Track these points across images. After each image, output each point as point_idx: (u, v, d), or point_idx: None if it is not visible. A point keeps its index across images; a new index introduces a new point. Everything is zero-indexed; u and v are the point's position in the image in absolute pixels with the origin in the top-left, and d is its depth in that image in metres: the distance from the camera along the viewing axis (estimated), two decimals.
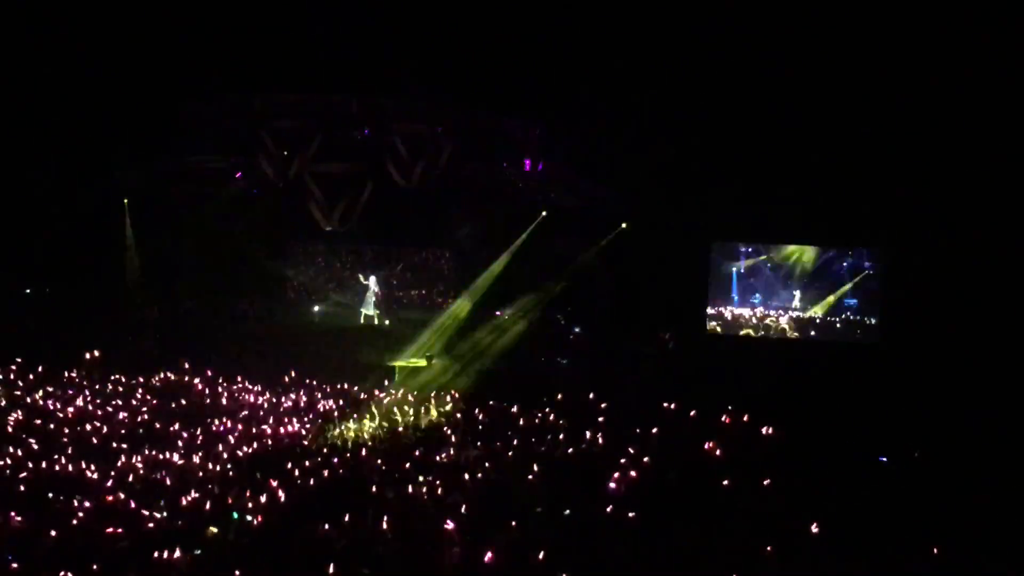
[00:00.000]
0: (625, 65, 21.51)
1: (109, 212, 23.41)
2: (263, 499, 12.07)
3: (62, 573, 9.56)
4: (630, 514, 11.67)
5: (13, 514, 11.23)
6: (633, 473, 13.46)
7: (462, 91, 22.08)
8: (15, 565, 9.95)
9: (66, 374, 19.02)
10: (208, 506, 11.77)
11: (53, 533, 10.75)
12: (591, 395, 17.81)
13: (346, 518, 11.13)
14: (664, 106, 21.62)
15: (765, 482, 13.03)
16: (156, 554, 10.11)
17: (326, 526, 11.02)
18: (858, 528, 11.41)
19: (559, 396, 17.80)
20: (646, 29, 21.13)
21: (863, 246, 22.37)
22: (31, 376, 18.73)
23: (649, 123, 21.86)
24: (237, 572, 9.70)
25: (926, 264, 21.11)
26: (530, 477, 13.27)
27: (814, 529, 11.17)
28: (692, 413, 16.63)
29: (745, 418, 16.39)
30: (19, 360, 19.28)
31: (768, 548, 10.51)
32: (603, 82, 21.70)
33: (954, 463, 14.08)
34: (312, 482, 12.89)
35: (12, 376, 18.73)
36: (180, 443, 14.69)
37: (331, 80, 22.29)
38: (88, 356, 19.78)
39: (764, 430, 15.90)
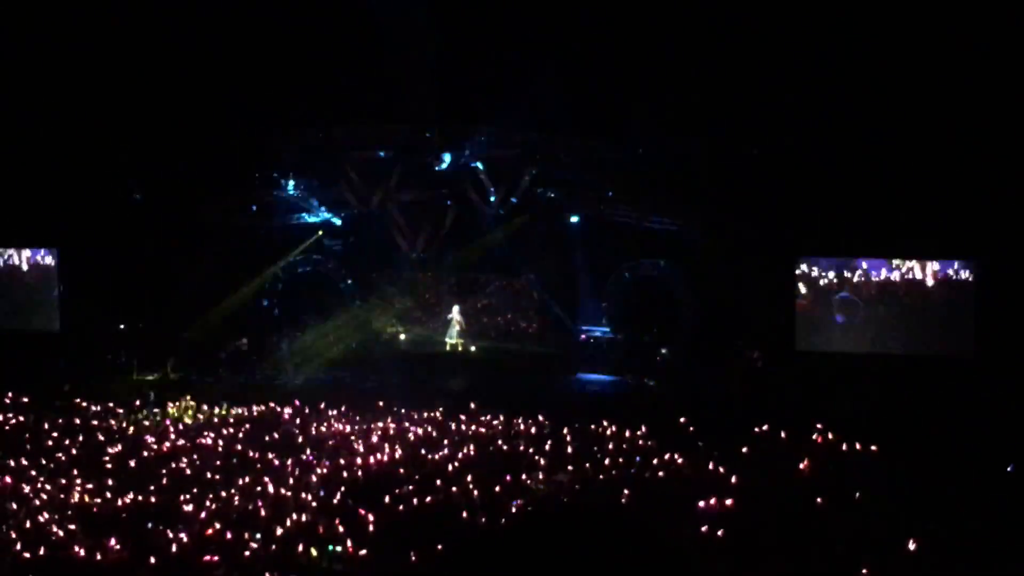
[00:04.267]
0: (709, 83, 21.38)
1: (195, 245, 23.87)
2: (355, 527, 12.20)
3: None
4: (719, 533, 11.58)
5: (112, 543, 11.50)
6: (725, 497, 13.34)
7: (543, 117, 22.07)
8: None
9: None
10: (302, 535, 11.92)
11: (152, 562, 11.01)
12: (681, 417, 17.68)
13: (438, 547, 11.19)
14: (748, 120, 21.42)
15: (856, 496, 12.86)
16: None
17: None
18: (956, 544, 11.15)
19: (648, 417, 17.69)
20: (733, 50, 20.99)
21: (955, 258, 21.73)
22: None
23: (733, 138, 21.69)
24: None
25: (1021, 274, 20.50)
26: (621, 500, 13.23)
27: (911, 546, 10.95)
28: (783, 433, 16.42)
29: (835, 436, 16.15)
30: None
31: (864, 569, 10.33)
32: (688, 100, 21.55)
33: None
34: (402, 509, 12.98)
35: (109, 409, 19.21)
36: (273, 473, 14.85)
37: (411, 110, 22.47)
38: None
39: (856, 447, 15.65)
